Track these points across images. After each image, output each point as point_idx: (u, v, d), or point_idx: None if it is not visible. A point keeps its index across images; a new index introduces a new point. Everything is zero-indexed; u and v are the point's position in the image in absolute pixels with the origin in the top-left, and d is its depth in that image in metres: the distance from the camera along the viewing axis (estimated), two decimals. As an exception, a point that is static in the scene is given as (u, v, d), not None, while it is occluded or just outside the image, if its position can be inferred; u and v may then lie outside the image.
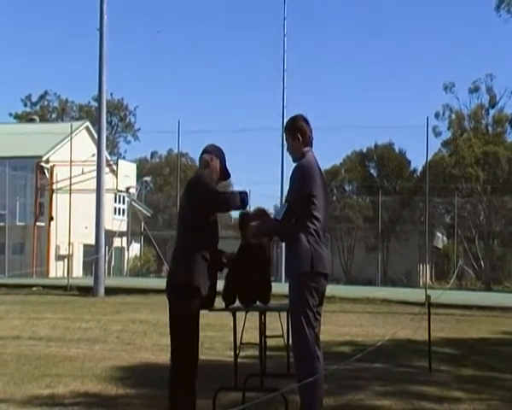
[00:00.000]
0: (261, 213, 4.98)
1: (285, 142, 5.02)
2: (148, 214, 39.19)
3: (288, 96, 30.08)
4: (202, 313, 4.73)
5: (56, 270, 30.02)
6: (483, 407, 5.79)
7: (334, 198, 35.73)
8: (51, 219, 30.46)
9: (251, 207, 5.61)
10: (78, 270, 30.81)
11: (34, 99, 55.59)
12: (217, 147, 4.98)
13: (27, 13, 74.43)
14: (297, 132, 4.81)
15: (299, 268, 4.59)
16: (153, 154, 55.15)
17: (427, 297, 7.71)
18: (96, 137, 24.34)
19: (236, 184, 27.19)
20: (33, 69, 74.66)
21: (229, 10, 75.17)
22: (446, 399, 5.98)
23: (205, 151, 4.94)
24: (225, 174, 4.96)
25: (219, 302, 4.98)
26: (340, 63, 69.91)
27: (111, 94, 50.53)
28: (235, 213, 14.37)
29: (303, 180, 4.65)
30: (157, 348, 8.47)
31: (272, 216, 4.95)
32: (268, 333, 5.37)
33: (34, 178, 31.15)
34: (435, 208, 34.08)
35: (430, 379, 6.82)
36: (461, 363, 7.92)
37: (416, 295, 16.26)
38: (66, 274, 24.10)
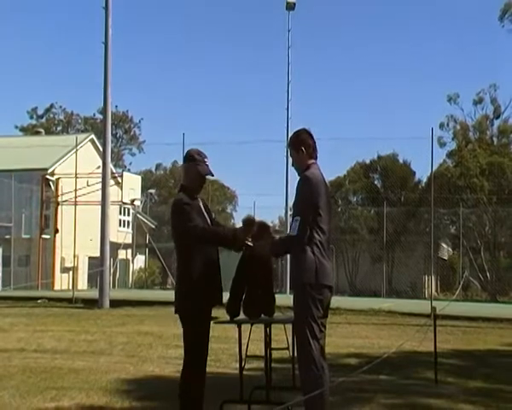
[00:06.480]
0: (262, 225, 4.93)
1: (290, 157, 5.00)
2: (153, 226, 39.24)
3: (292, 108, 30.24)
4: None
5: (61, 282, 30.06)
6: (490, 419, 5.76)
7: (339, 210, 35.68)
8: (56, 231, 30.53)
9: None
10: (83, 282, 30.85)
11: (40, 112, 56.04)
12: (193, 151, 5.02)
13: (33, 26, 75.09)
14: (301, 145, 4.81)
15: (304, 279, 4.57)
16: (157, 166, 55.43)
17: (433, 309, 7.68)
18: (100, 149, 24.44)
19: (241, 195, 27.29)
20: (39, 82, 75.20)
21: (234, 23, 75.64)
22: (453, 411, 5.95)
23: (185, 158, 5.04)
24: (204, 178, 5.01)
25: (224, 315, 4.97)
26: (343, 75, 70.21)
27: (116, 106, 50.92)
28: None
29: (309, 191, 4.63)
30: (162, 361, 8.45)
31: (288, 232, 4.90)
32: (273, 345, 5.35)
33: (40, 190, 31.26)
34: (440, 219, 33.97)
35: (437, 391, 6.77)
36: (468, 375, 7.86)
37: (421, 306, 16.20)
38: (71, 287, 24.14)
